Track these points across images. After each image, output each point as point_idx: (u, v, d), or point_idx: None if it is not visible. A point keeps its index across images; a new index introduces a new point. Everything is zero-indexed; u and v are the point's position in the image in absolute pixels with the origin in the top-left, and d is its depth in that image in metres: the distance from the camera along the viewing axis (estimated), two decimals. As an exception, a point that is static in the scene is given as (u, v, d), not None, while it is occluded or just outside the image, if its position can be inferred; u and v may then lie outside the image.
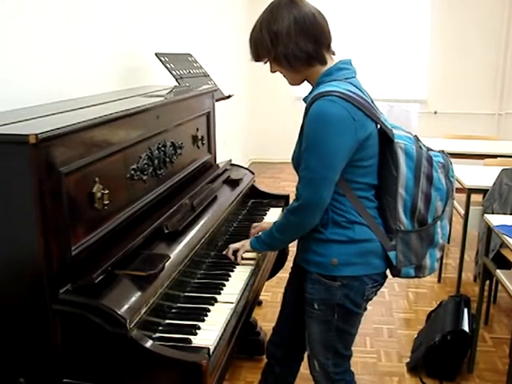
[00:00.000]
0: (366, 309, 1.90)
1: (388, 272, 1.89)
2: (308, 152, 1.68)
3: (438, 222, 1.83)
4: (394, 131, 1.77)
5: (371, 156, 1.74)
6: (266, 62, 1.80)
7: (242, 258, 2.11)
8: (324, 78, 1.74)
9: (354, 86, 1.72)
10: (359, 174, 1.74)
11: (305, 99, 1.78)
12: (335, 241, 1.76)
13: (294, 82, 1.83)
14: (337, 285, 1.78)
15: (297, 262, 1.94)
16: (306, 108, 1.72)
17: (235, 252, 2.11)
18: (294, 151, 1.82)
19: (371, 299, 1.89)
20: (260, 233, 2.00)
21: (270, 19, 1.72)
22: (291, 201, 2.93)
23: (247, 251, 2.08)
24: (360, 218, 1.76)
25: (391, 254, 1.81)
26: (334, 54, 1.80)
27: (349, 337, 1.90)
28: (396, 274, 1.88)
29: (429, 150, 1.83)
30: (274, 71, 1.82)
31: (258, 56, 1.79)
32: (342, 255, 1.76)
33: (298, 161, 1.76)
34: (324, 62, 1.75)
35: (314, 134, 1.66)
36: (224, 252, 2.14)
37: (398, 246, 1.80)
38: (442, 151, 1.88)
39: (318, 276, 1.80)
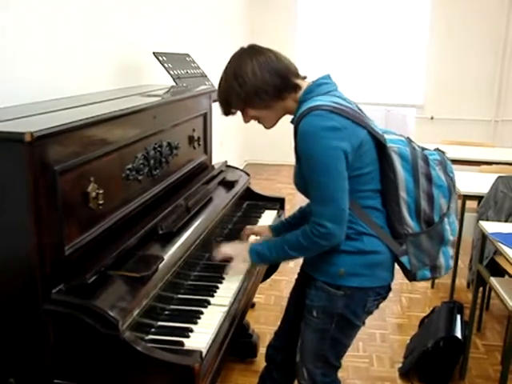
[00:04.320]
0: (364, 323, 1.88)
1: (404, 278, 1.87)
2: (313, 171, 1.66)
3: (445, 219, 1.80)
4: (386, 136, 1.77)
5: (370, 162, 1.73)
6: (235, 113, 1.81)
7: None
8: (306, 96, 1.73)
9: (338, 97, 1.72)
10: (362, 182, 1.73)
11: (292, 121, 1.77)
12: (344, 251, 1.74)
13: (271, 122, 1.82)
14: (339, 294, 1.76)
15: (304, 269, 1.93)
16: (295, 128, 1.71)
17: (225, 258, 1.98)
18: (295, 175, 1.81)
19: (372, 312, 1.87)
20: (259, 246, 1.86)
21: (235, 66, 1.73)
22: (286, 204, 2.97)
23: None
24: (368, 229, 1.74)
25: (404, 259, 1.80)
26: (304, 78, 1.80)
27: (342, 348, 1.89)
28: (412, 278, 1.85)
29: (423, 149, 1.83)
30: (248, 120, 1.83)
31: (228, 104, 1.78)
32: (350, 265, 1.75)
33: (304, 184, 1.73)
34: (297, 88, 1.75)
35: (312, 153, 1.64)
36: (214, 254, 2.01)
37: (410, 249, 1.79)
38: (437, 148, 1.88)
39: (323, 284, 1.78)
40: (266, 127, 1.84)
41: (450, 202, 1.81)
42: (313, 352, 1.87)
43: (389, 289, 1.86)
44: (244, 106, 1.77)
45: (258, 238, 2.23)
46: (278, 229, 2.17)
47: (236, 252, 1.94)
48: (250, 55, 1.73)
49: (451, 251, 1.86)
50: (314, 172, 1.66)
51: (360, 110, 1.78)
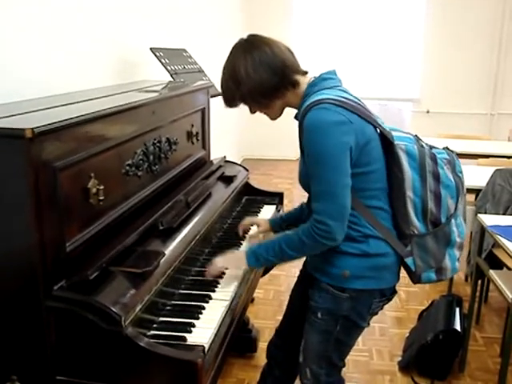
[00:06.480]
0: (369, 324, 1.86)
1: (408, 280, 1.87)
2: (317, 165, 1.62)
3: (453, 221, 1.76)
4: (393, 133, 1.73)
5: (377, 158, 1.69)
6: (238, 105, 1.81)
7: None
8: (310, 89, 1.71)
9: (344, 91, 1.70)
10: (369, 180, 1.69)
11: (296, 116, 1.75)
12: (349, 253, 1.71)
13: (274, 115, 1.81)
14: (344, 296, 1.74)
15: (307, 269, 1.92)
16: (300, 122, 1.69)
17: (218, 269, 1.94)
18: (300, 172, 1.78)
19: (376, 313, 1.86)
20: (255, 247, 1.82)
21: (230, 64, 1.73)
22: (284, 198, 2.96)
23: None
24: (374, 231, 1.71)
25: (409, 261, 1.77)
26: (306, 73, 1.77)
27: (346, 348, 1.88)
28: (416, 280, 1.83)
29: (432, 147, 1.79)
30: (253, 113, 1.83)
31: (228, 101, 1.79)
32: (355, 268, 1.72)
33: (306, 179, 1.70)
34: (296, 85, 1.72)
35: (317, 146, 1.60)
36: (207, 270, 1.94)
37: (415, 250, 1.75)
38: (447, 147, 1.84)
39: (327, 286, 1.76)
40: (271, 119, 1.84)
41: (458, 203, 1.77)
42: (317, 353, 1.85)
43: (394, 291, 1.84)
44: (244, 103, 1.78)
45: (257, 228, 2.24)
46: (276, 223, 2.17)
47: (229, 262, 1.92)
48: (245, 51, 1.70)
49: (458, 254, 1.81)
50: (319, 167, 1.61)
51: (366, 106, 1.74)
